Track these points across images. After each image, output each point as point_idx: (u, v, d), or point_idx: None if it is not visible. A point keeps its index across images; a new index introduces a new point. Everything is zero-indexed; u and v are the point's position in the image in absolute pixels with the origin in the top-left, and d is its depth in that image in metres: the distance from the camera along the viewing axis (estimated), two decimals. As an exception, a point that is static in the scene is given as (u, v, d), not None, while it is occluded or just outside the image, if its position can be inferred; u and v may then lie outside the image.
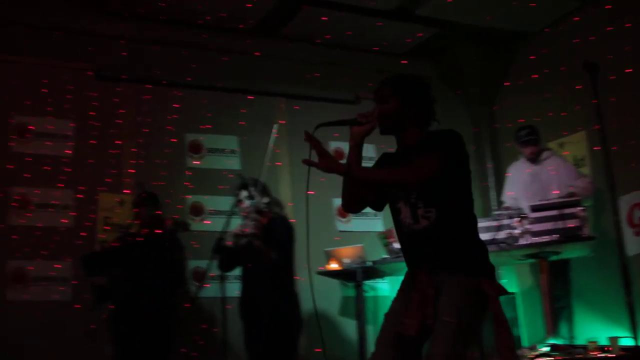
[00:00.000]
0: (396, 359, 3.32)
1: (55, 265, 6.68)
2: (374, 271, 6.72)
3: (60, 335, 6.41)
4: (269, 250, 5.48)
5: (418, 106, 3.56)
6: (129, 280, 5.82)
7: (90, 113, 7.17)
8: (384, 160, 3.71)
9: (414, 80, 3.65)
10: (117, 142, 7.23)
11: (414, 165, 3.34)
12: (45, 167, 6.91)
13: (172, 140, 7.46)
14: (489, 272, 3.45)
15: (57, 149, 7.03)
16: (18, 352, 6.28)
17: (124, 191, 7.04)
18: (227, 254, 5.68)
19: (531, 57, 8.40)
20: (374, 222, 7.81)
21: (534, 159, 7.11)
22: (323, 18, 7.63)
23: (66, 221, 6.85)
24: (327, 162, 3.27)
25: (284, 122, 7.89)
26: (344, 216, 7.83)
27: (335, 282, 7.53)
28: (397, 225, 3.57)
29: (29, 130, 6.95)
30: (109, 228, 6.28)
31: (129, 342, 5.70)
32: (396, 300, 3.50)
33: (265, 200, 5.74)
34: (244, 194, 5.75)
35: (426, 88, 3.65)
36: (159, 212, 6.14)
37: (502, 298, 6.07)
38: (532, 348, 6.35)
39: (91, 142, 7.12)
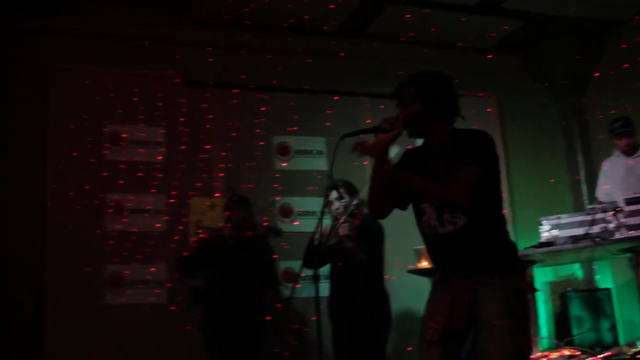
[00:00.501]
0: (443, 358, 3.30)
1: (150, 269, 6.84)
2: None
3: (156, 336, 6.57)
4: (359, 251, 5.47)
5: (443, 104, 3.43)
6: (222, 282, 5.89)
7: (180, 119, 7.31)
8: (408, 157, 3.61)
9: (436, 76, 3.49)
10: (206, 146, 7.36)
11: (460, 183, 3.24)
12: (138, 174, 7.08)
13: (260, 143, 7.54)
14: (521, 271, 3.44)
15: (149, 155, 7.20)
16: (116, 353, 6.47)
17: (215, 195, 7.14)
18: (316, 252, 5.68)
19: (622, 46, 8.17)
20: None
21: (629, 152, 6.91)
22: (407, 16, 7.59)
23: (159, 225, 7.00)
24: (391, 139, 3.33)
25: (370, 121, 7.88)
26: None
27: (425, 280, 7.47)
28: (420, 226, 3.48)
29: (121, 138, 7.14)
30: (200, 231, 6.36)
31: (221, 343, 5.77)
32: (429, 303, 3.45)
33: (355, 201, 5.71)
34: (334, 194, 5.74)
35: (449, 83, 3.48)
36: (249, 215, 6.19)
37: (595, 294, 6.02)
38: (631, 345, 6.20)
39: (181, 147, 7.26)
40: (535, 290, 3.46)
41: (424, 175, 3.38)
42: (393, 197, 3.52)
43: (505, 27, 8.13)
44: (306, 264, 5.40)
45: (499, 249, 3.37)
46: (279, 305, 6.22)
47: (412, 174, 3.40)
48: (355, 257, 5.45)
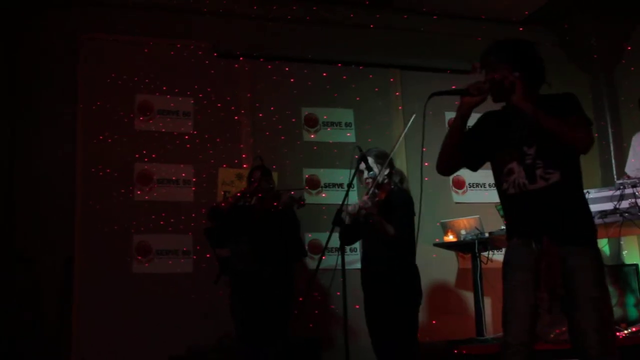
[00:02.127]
0: (532, 329, 3.32)
1: (177, 239, 6.90)
2: (491, 242, 6.64)
3: (183, 305, 6.64)
4: (385, 225, 5.44)
5: (528, 70, 3.48)
6: (250, 252, 5.91)
7: (209, 90, 7.34)
8: (488, 119, 3.65)
9: (521, 43, 3.56)
10: (235, 117, 7.37)
11: (584, 130, 3.35)
12: (167, 144, 7.13)
13: (289, 114, 7.55)
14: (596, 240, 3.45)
15: (178, 126, 7.23)
16: (143, 321, 6.56)
17: (243, 165, 7.17)
18: (346, 228, 5.66)
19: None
20: (490, 194, 7.71)
21: (659, 126, 6.87)
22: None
23: (187, 196, 7.05)
24: (476, 103, 3.37)
25: (398, 93, 7.88)
26: (460, 187, 7.77)
27: (451, 254, 7.50)
28: (505, 188, 3.48)
29: (151, 108, 7.17)
30: (230, 201, 6.37)
31: (249, 312, 5.80)
32: (518, 271, 3.42)
33: (386, 172, 5.66)
34: (363, 165, 5.71)
35: (534, 50, 3.56)
36: (274, 185, 6.18)
37: (622, 270, 6.04)
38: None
39: (210, 118, 7.29)
40: None
41: (508, 137, 3.45)
42: (462, 156, 3.58)
43: (537, 1, 8.05)
44: (342, 241, 5.43)
45: (585, 214, 3.44)
46: (300, 299, 6.16)
47: (546, 115, 3.34)
48: (382, 230, 5.42)
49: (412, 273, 5.48)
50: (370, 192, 5.43)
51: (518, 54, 3.49)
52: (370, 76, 7.84)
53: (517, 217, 3.50)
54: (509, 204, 3.52)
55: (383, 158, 5.59)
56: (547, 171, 3.35)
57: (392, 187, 5.54)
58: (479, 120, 3.67)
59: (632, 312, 6.68)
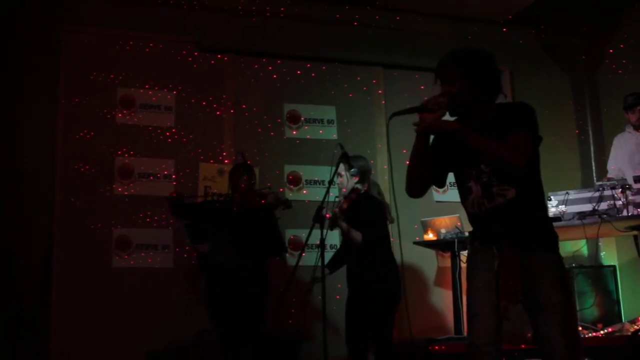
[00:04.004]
0: (497, 329, 3.31)
1: (157, 233, 6.88)
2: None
3: (162, 300, 6.63)
4: (351, 232, 5.52)
5: (486, 82, 3.41)
6: (228, 246, 5.90)
7: (192, 84, 7.32)
8: (443, 137, 3.50)
9: (477, 53, 3.46)
10: (217, 113, 7.36)
11: (520, 147, 3.23)
12: (148, 138, 7.11)
13: (271, 110, 7.55)
14: (558, 243, 3.45)
15: (159, 121, 7.20)
16: (122, 316, 6.55)
17: (224, 161, 7.16)
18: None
19: (637, 22, 8.11)
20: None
21: (640, 127, 6.94)
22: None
23: (168, 190, 7.02)
24: (436, 119, 3.27)
25: (381, 91, 7.89)
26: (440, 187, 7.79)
27: (431, 252, 7.52)
28: (467, 205, 3.47)
29: (133, 102, 7.14)
30: (209, 198, 6.38)
31: (225, 308, 5.80)
32: (480, 271, 3.41)
33: (356, 180, 5.74)
34: (342, 167, 5.76)
35: (491, 61, 3.46)
36: (254, 182, 6.15)
37: (599, 271, 6.06)
38: (633, 322, 6.22)
39: (192, 113, 7.27)
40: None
41: (464, 153, 3.38)
42: (430, 175, 3.54)
43: (520, 2, 8.08)
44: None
45: (544, 224, 3.43)
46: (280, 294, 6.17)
47: (479, 134, 3.29)
48: (348, 238, 5.53)
49: (385, 276, 5.50)
50: (338, 201, 5.56)
51: (474, 65, 3.40)
52: (354, 74, 7.85)
53: (479, 232, 3.49)
54: (472, 221, 3.51)
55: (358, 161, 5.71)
56: (503, 188, 3.32)
57: (359, 194, 5.60)
58: (437, 136, 3.58)
59: (610, 313, 6.74)
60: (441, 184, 3.66)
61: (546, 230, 3.41)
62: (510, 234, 3.31)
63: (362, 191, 5.67)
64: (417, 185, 3.57)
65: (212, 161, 7.15)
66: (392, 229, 7.31)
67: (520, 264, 3.28)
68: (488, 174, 3.35)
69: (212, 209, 6.09)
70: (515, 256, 3.28)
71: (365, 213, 5.58)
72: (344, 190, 5.72)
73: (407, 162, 3.49)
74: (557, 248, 3.41)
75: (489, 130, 3.30)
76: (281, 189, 7.15)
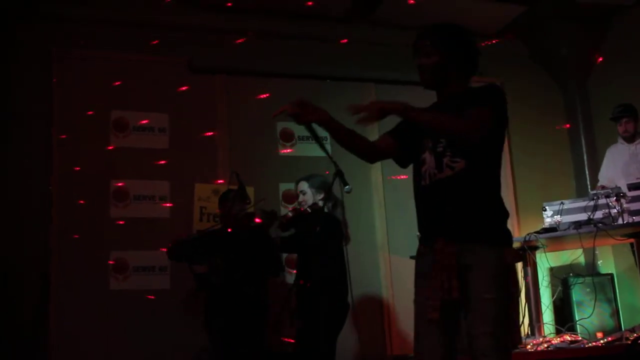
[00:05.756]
0: (442, 340, 3.16)
1: (154, 255, 6.85)
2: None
3: (160, 322, 6.62)
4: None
5: (462, 58, 3.35)
6: (223, 267, 5.90)
7: (184, 105, 7.34)
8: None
9: (457, 29, 3.39)
10: (210, 133, 7.37)
11: (474, 118, 3.11)
12: (143, 160, 7.12)
13: (264, 129, 7.56)
14: (509, 239, 3.28)
15: (153, 142, 7.22)
16: (120, 338, 6.54)
17: (219, 181, 7.17)
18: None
19: (627, 32, 8.16)
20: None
21: (628, 138, 6.99)
22: (410, 2, 7.57)
23: (164, 212, 7.04)
24: (380, 103, 3.20)
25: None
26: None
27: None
28: (418, 181, 3.36)
29: (127, 124, 7.15)
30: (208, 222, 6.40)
31: (223, 329, 5.79)
32: (422, 282, 3.26)
33: (319, 196, 5.78)
34: (305, 184, 5.83)
35: (470, 37, 3.40)
36: (245, 207, 6.13)
37: (597, 280, 5.87)
38: (633, 330, 6.22)
39: (186, 134, 7.29)
40: (520, 258, 3.37)
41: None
42: (364, 144, 3.48)
43: (509, 13, 8.12)
44: None
45: (492, 209, 3.24)
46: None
47: (426, 109, 3.27)
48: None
49: (336, 291, 5.49)
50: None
51: (455, 41, 3.35)
52: (346, 90, 7.86)
53: (423, 211, 3.35)
54: (419, 198, 3.38)
55: (320, 182, 5.76)
56: (454, 159, 3.20)
57: (313, 210, 5.66)
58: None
59: (609, 322, 6.74)
60: (403, 163, 3.56)
61: (490, 218, 3.22)
62: (450, 216, 3.17)
63: (322, 207, 5.70)
64: (361, 155, 3.54)
65: (202, 181, 7.14)
66: (384, 242, 7.36)
67: (457, 257, 3.12)
68: (444, 145, 3.25)
69: (206, 242, 6.07)
70: (450, 249, 3.12)
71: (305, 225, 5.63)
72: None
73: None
74: (501, 240, 3.22)
75: (455, 103, 3.24)
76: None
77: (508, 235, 3.28)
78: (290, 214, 5.80)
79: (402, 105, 3.15)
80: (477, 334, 3.06)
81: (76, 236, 6.69)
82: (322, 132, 3.38)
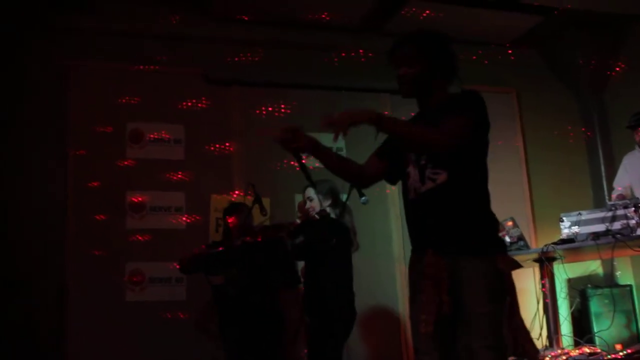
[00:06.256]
0: (441, 355, 3.12)
1: (170, 266, 6.84)
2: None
3: (176, 333, 6.61)
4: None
5: (444, 66, 3.31)
6: (239, 278, 5.89)
7: (200, 116, 7.36)
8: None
9: (434, 35, 3.35)
10: (226, 144, 7.38)
11: (447, 127, 3.06)
12: (159, 171, 7.13)
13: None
14: (501, 246, 3.23)
15: (169, 153, 7.22)
16: (136, 350, 6.53)
17: (235, 192, 7.17)
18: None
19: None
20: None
21: (647, 146, 6.94)
22: (426, 12, 7.56)
23: (180, 223, 7.04)
24: (349, 114, 3.11)
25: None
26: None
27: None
28: (405, 194, 3.34)
29: (143, 135, 7.17)
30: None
31: (239, 341, 5.78)
32: (412, 292, 3.24)
33: (327, 202, 5.77)
34: (312, 191, 5.83)
35: (446, 44, 3.34)
36: (249, 219, 6.13)
37: (615, 291, 5.77)
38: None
39: (202, 145, 7.30)
40: (519, 266, 3.29)
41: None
42: (354, 170, 3.47)
43: (525, 23, 8.09)
44: None
45: (478, 219, 3.18)
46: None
47: (399, 120, 3.17)
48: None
49: (344, 297, 5.47)
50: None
51: (438, 50, 3.31)
52: (361, 101, 7.85)
53: (410, 224, 3.33)
54: (407, 212, 3.36)
55: (328, 188, 5.74)
56: (435, 171, 3.16)
57: (321, 216, 5.65)
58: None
59: (627, 334, 6.68)
60: (393, 180, 3.54)
61: (479, 229, 3.17)
62: (438, 229, 3.13)
63: (330, 213, 5.71)
64: (352, 181, 3.62)
65: (218, 192, 7.15)
66: (400, 254, 7.33)
67: (447, 270, 3.07)
68: (426, 157, 3.21)
69: (216, 256, 6.07)
70: (440, 262, 3.08)
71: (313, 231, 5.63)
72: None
73: None
74: (493, 251, 3.16)
75: (436, 113, 3.20)
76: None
77: (498, 244, 3.24)
78: (297, 221, 5.81)
79: (373, 115, 3.10)
80: (476, 348, 3.01)
81: (92, 248, 6.72)
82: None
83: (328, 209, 5.71)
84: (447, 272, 3.07)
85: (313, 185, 3.57)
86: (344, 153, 7.63)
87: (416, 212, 3.24)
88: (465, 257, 3.08)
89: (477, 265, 3.08)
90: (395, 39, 3.41)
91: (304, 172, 3.50)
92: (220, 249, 6.00)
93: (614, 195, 6.97)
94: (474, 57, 7.75)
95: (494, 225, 3.25)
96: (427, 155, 3.22)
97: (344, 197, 5.47)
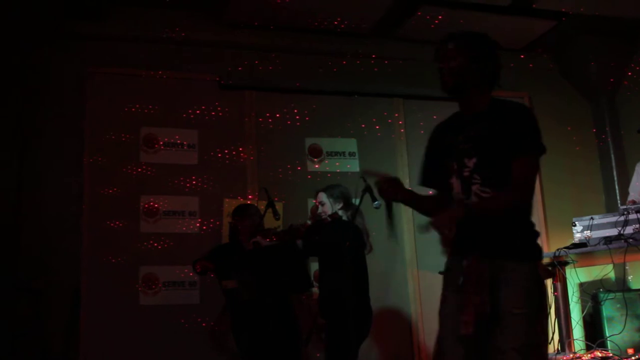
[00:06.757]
0: (467, 356, 3.14)
1: (184, 270, 6.89)
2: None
3: (190, 337, 6.67)
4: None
5: (486, 66, 3.32)
6: (253, 282, 5.91)
7: (214, 121, 7.40)
8: (438, 134, 3.50)
9: (482, 37, 3.37)
10: (240, 148, 7.42)
11: (522, 183, 3.13)
12: (173, 176, 7.17)
13: (293, 145, 7.60)
14: (539, 254, 3.27)
15: (183, 158, 7.27)
16: (150, 353, 6.57)
17: (248, 197, 7.20)
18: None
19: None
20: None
21: (659, 151, 6.93)
22: (439, 17, 7.58)
23: (193, 227, 7.08)
24: (448, 218, 3.04)
25: (401, 122, 7.93)
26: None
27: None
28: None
29: (157, 140, 7.21)
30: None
31: (253, 345, 5.81)
32: (450, 295, 3.27)
33: (338, 206, 5.79)
34: (323, 195, 5.85)
35: (495, 47, 3.38)
36: (259, 221, 6.16)
37: (628, 295, 5.79)
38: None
39: (215, 149, 7.35)
40: (552, 275, 3.36)
41: (456, 146, 3.29)
42: (447, 202, 3.39)
43: (537, 29, 8.10)
44: None
45: (521, 230, 3.23)
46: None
47: (478, 202, 3.22)
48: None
49: (363, 302, 5.49)
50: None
51: (481, 47, 3.33)
52: (374, 106, 7.90)
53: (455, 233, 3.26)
54: None
55: (339, 192, 5.76)
56: (483, 189, 3.20)
57: (328, 219, 5.72)
58: (431, 137, 3.55)
59: (638, 338, 6.67)
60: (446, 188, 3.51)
61: (522, 236, 3.23)
62: (482, 239, 3.17)
63: (342, 217, 5.75)
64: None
65: (232, 197, 7.18)
66: (413, 258, 7.34)
67: (489, 272, 3.11)
68: (470, 169, 3.23)
69: (228, 259, 6.10)
70: (482, 265, 3.11)
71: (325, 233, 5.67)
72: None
73: None
74: (534, 258, 3.22)
75: (481, 122, 3.23)
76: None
77: (539, 251, 3.27)
78: (309, 222, 5.83)
79: (461, 212, 3.09)
80: (506, 349, 3.03)
81: (107, 252, 6.77)
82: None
83: (340, 212, 5.74)
84: (489, 274, 3.11)
85: (391, 221, 3.55)
86: (356, 161, 7.68)
87: (461, 223, 3.16)
88: (508, 262, 3.14)
89: (517, 269, 3.14)
90: (442, 37, 3.40)
91: (388, 214, 3.53)
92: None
93: (629, 201, 6.97)
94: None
95: (535, 234, 3.30)
96: (471, 167, 3.24)
97: (356, 201, 5.53)
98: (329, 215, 5.76)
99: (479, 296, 3.08)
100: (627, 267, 7.65)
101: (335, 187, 5.87)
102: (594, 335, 6.74)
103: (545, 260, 6.32)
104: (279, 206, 6.36)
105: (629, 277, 7.83)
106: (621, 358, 6.08)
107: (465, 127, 3.31)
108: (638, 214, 6.14)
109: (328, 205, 5.79)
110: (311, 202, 7.37)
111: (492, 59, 3.36)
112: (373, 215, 5.86)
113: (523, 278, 3.12)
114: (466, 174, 3.25)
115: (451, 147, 3.32)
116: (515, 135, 3.16)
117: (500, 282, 3.10)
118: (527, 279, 3.13)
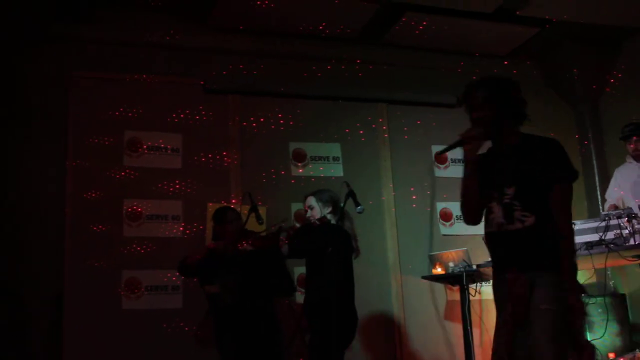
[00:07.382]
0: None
1: (166, 275, 6.88)
2: (478, 275, 6.67)
3: (172, 341, 6.65)
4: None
5: (513, 108, 3.62)
6: (236, 287, 5.91)
7: (198, 125, 7.39)
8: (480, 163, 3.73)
9: (506, 82, 3.68)
10: (224, 153, 7.41)
11: (561, 207, 3.57)
12: (157, 180, 7.14)
13: (277, 149, 7.61)
14: (575, 270, 3.58)
15: (167, 162, 7.25)
16: (133, 357, 6.55)
17: (232, 201, 7.20)
18: None
19: (638, 53, 8.18)
20: (477, 226, 7.75)
21: (638, 157, 6.96)
22: (424, 23, 7.61)
23: (177, 231, 7.07)
24: (580, 310, 3.56)
25: (385, 127, 7.94)
26: (447, 220, 7.78)
27: (440, 286, 7.53)
28: (487, 224, 3.68)
29: (140, 144, 7.19)
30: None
31: (236, 350, 5.81)
32: (502, 307, 3.60)
33: (327, 210, 5.82)
34: (312, 199, 5.87)
35: (518, 88, 3.69)
36: (242, 225, 6.15)
37: (609, 300, 6.07)
38: (646, 351, 6.21)
39: (199, 154, 7.33)
40: (585, 291, 3.67)
41: (491, 177, 3.62)
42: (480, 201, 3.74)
43: (521, 36, 8.14)
44: None
45: (555, 245, 3.52)
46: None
47: (569, 267, 3.53)
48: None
49: (344, 305, 5.51)
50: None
51: (505, 93, 3.63)
52: (358, 111, 7.91)
53: (495, 252, 3.70)
54: (489, 240, 3.72)
55: (328, 197, 5.80)
56: (524, 214, 3.52)
57: (317, 223, 5.74)
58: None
59: (619, 342, 6.72)
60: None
61: (553, 254, 3.51)
62: (521, 256, 3.49)
63: (330, 220, 5.77)
64: (474, 211, 3.78)
65: (215, 201, 7.17)
66: (396, 262, 7.36)
67: (527, 284, 3.45)
68: (510, 197, 3.55)
69: (212, 263, 6.09)
70: (521, 277, 3.46)
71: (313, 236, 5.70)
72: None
73: (461, 195, 3.76)
74: (564, 271, 3.50)
75: (516, 155, 3.56)
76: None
77: (572, 267, 3.57)
78: (297, 225, 5.86)
79: (575, 300, 3.47)
80: (537, 344, 3.35)
81: (89, 256, 6.73)
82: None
83: (329, 216, 5.76)
84: (527, 286, 3.46)
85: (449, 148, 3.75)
86: (340, 165, 7.69)
87: (501, 244, 3.63)
88: (541, 273, 3.49)
89: (548, 276, 3.47)
90: (468, 85, 3.70)
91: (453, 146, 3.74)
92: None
93: (609, 206, 7.02)
94: (477, 70, 7.78)
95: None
96: (511, 194, 3.57)
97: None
98: (318, 219, 5.77)
99: (517, 312, 3.45)
100: (608, 273, 7.69)
101: (324, 192, 5.91)
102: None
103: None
104: (262, 210, 6.36)
105: (610, 282, 7.88)
106: (603, 363, 6.12)
107: (500, 162, 3.65)
108: (619, 220, 6.18)
109: (317, 209, 5.81)
110: (295, 207, 7.39)
111: (515, 102, 3.67)
112: (358, 220, 5.91)
113: (552, 282, 3.46)
114: (506, 200, 3.58)
115: (490, 178, 3.64)
116: (550, 166, 3.56)
117: (534, 287, 3.46)
118: (556, 283, 3.46)
